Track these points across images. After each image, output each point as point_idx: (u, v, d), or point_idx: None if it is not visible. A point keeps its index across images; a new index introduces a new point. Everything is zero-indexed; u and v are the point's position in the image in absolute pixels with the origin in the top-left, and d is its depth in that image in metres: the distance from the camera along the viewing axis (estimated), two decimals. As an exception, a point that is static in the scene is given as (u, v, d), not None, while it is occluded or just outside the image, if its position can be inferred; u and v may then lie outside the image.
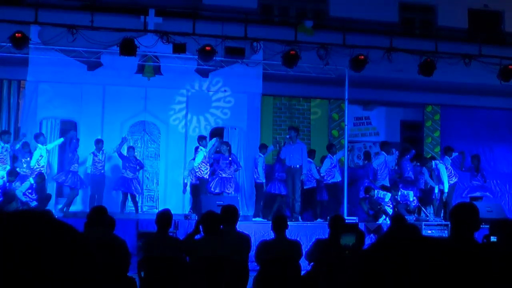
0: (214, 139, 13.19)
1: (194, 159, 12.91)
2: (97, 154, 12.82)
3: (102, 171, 12.96)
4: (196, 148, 12.95)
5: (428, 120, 16.01)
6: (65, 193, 13.27)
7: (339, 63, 12.67)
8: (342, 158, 13.75)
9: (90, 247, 0.89)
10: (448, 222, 11.52)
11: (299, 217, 12.59)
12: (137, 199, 13.10)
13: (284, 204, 13.25)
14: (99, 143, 12.87)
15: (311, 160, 13.44)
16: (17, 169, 12.15)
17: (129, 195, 12.89)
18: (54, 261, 0.87)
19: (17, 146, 12.51)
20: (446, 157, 14.01)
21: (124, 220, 11.16)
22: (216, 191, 12.66)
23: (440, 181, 13.47)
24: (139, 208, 13.25)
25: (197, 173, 12.78)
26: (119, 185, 12.87)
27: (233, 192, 12.96)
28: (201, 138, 12.99)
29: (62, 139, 13.03)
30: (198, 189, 12.84)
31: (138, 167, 13.07)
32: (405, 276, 0.93)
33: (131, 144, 13.46)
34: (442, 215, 13.44)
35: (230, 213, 6.36)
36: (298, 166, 12.63)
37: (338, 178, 13.45)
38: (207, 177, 12.80)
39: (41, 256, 0.87)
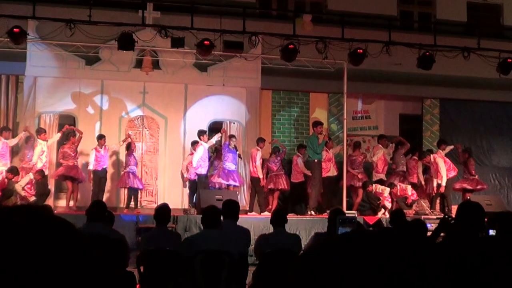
0: (216, 136, 13.09)
1: (192, 153, 12.85)
2: (100, 149, 12.66)
3: (104, 167, 12.77)
4: (195, 143, 12.90)
5: (427, 113, 15.99)
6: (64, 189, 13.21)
7: (337, 56, 12.64)
8: (341, 153, 13.78)
9: (87, 243, 0.89)
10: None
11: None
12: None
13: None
14: (101, 138, 12.79)
15: (300, 154, 13.48)
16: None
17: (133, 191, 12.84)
18: (50, 256, 0.87)
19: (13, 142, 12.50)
20: (439, 150, 13.91)
21: (123, 215, 11.17)
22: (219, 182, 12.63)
23: (438, 175, 13.45)
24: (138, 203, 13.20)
25: (197, 170, 12.66)
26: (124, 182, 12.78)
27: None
28: (201, 133, 12.89)
29: (59, 135, 12.87)
30: (195, 184, 12.79)
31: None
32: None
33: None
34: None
35: (232, 208, 6.40)
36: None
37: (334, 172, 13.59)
38: (205, 173, 12.74)
39: (38, 250, 0.87)
